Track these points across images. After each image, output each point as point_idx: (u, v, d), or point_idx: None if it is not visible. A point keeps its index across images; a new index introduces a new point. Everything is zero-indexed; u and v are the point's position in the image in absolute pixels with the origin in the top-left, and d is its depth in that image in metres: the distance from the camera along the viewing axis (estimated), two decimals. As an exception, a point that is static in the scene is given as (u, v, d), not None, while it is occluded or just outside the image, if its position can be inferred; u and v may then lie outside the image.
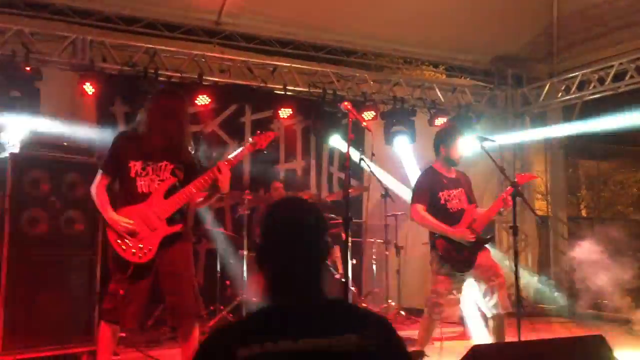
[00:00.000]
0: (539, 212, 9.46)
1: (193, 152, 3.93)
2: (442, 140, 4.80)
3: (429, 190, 4.70)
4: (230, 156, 3.94)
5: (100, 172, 3.81)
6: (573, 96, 8.32)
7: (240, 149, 4.06)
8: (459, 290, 4.67)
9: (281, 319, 1.59)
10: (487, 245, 4.74)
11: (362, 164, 4.34)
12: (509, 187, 4.61)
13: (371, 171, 4.75)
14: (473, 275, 4.64)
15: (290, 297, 1.67)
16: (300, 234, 1.71)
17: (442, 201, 4.68)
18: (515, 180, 4.66)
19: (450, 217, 4.65)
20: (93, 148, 5.41)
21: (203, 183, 3.77)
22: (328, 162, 8.43)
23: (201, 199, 3.94)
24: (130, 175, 3.72)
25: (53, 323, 4.89)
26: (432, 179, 4.75)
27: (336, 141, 7.79)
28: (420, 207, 4.65)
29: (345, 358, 1.54)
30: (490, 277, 4.60)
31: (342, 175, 8.09)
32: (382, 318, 1.73)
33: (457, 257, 4.58)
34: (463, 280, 4.65)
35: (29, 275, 4.85)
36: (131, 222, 3.63)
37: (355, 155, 4.13)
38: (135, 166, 3.72)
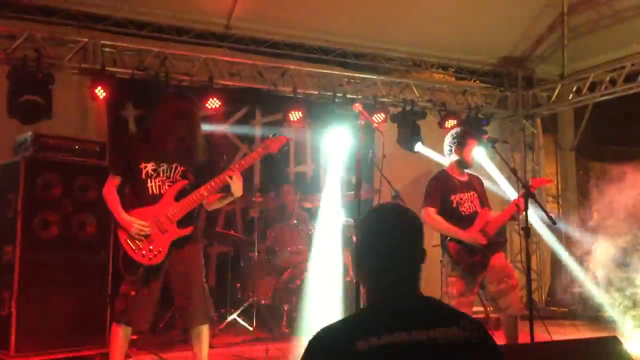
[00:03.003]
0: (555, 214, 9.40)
1: (204, 154, 3.94)
2: (455, 143, 4.77)
3: (441, 193, 4.67)
4: (241, 160, 3.94)
5: (111, 173, 3.83)
6: (584, 97, 8.27)
7: (252, 152, 4.07)
8: (472, 293, 4.63)
9: (392, 314, 1.70)
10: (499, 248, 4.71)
11: (373, 166, 4.34)
12: (522, 191, 4.59)
13: (381, 173, 4.74)
14: (485, 277, 4.61)
15: (391, 295, 1.76)
16: (399, 237, 1.80)
17: (454, 204, 4.65)
18: (530, 184, 4.63)
19: (462, 220, 4.62)
20: (104, 151, 5.44)
21: (214, 186, 3.77)
22: (338, 164, 8.41)
23: (216, 200, 3.94)
24: (141, 177, 3.73)
25: (65, 325, 4.93)
26: (444, 182, 4.73)
27: (346, 143, 7.77)
28: (431, 210, 4.63)
29: (454, 348, 1.64)
30: (502, 279, 4.57)
31: (353, 179, 8.08)
32: (472, 317, 1.83)
33: (469, 260, 4.56)
34: (475, 283, 4.62)
35: (41, 277, 4.88)
36: (145, 223, 3.64)
37: (365, 157, 4.12)
38: (146, 168, 3.74)
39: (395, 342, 1.60)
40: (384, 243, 1.79)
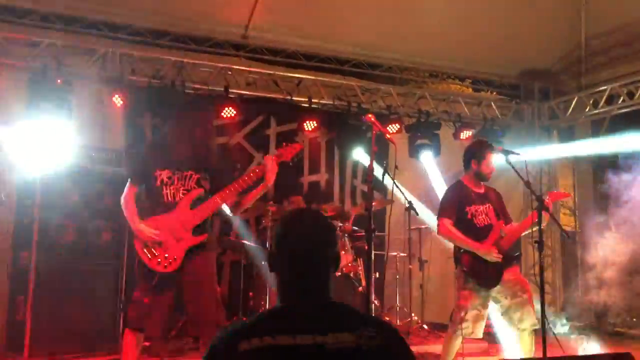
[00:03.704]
0: (567, 228, 9.32)
1: (219, 162, 3.97)
2: (474, 155, 4.72)
3: (457, 205, 4.64)
4: (255, 168, 3.96)
5: (129, 181, 3.88)
6: (601, 110, 8.21)
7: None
8: (485, 307, 4.59)
9: (282, 317, 1.71)
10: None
11: (386, 176, 4.33)
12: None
13: (395, 184, 4.74)
14: (499, 291, 4.57)
15: (296, 300, 1.77)
16: (307, 244, 1.81)
17: (469, 216, 4.62)
18: (547, 196, 4.59)
19: (477, 232, 4.58)
20: (120, 159, 5.51)
21: (229, 194, 3.79)
22: (352, 174, 8.43)
23: (253, 197, 3.91)
24: (156, 184, 3.77)
25: (79, 330, 4.98)
26: (460, 193, 4.69)
27: (360, 154, 7.79)
28: (447, 222, 4.60)
29: (341, 355, 1.62)
30: (516, 293, 4.53)
31: (366, 188, 8.08)
32: (386, 322, 1.82)
33: (483, 274, 4.52)
34: (489, 296, 4.58)
35: (55, 283, 4.95)
36: (156, 232, 3.67)
37: (379, 168, 4.12)
38: (161, 175, 3.78)
39: (275, 345, 1.60)
40: (293, 248, 1.80)
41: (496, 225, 4.62)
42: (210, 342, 1.70)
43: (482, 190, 4.77)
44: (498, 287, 4.54)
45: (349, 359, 1.62)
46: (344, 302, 1.76)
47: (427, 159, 8.09)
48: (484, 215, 4.65)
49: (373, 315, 1.81)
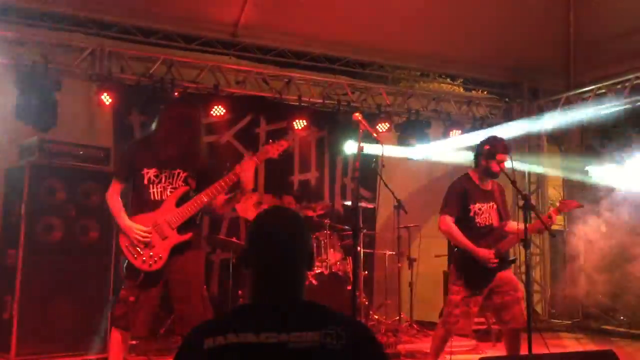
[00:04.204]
0: (556, 226, 9.37)
1: (206, 160, 3.96)
2: (484, 152, 4.63)
3: (461, 200, 4.59)
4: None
5: (113, 178, 3.87)
6: (589, 110, 8.24)
7: (252, 158, 4.07)
8: (476, 303, 4.57)
9: (248, 315, 1.71)
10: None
11: (376, 175, 4.34)
12: (554, 208, 4.56)
13: (384, 182, 4.75)
14: (491, 289, 4.56)
15: (265, 297, 1.78)
16: (277, 242, 1.81)
17: (472, 213, 4.58)
18: (558, 206, 4.62)
19: (477, 231, 4.56)
20: (109, 157, 5.49)
21: (214, 192, 3.78)
22: (342, 173, 8.44)
23: (224, 202, 3.93)
24: (143, 182, 3.76)
25: (66, 329, 4.97)
26: (466, 188, 4.63)
27: (350, 152, 7.81)
28: (448, 219, 4.56)
29: (306, 354, 1.62)
30: (508, 291, 4.53)
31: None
32: (356, 321, 1.83)
33: (475, 275, 4.52)
34: (480, 294, 4.56)
35: (43, 281, 4.93)
36: (145, 229, 3.67)
37: (367, 166, 4.13)
38: (148, 173, 3.77)
39: (238, 342, 1.60)
40: (264, 247, 1.80)
41: (497, 228, 4.59)
42: (184, 339, 1.72)
43: (488, 187, 4.69)
44: (490, 285, 4.54)
45: (314, 358, 1.62)
46: (313, 301, 1.75)
47: (416, 157, 8.11)
48: (486, 215, 4.62)
49: (344, 315, 1.79)
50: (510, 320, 4.50)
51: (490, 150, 4.59)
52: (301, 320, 1.68)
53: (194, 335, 1.68)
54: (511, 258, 4.74)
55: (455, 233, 4.54)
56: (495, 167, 4.59)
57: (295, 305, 1.75)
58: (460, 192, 4.64)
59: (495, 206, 4.66)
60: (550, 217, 4.51)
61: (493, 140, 4.66)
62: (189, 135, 3.81)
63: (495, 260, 4.47)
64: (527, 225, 4.16)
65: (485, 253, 4.47)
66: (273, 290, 1.77)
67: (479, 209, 4.61)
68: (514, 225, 4.59)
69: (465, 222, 4.57)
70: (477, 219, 4.59)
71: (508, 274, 4.62)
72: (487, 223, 4.61)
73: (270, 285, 1.78)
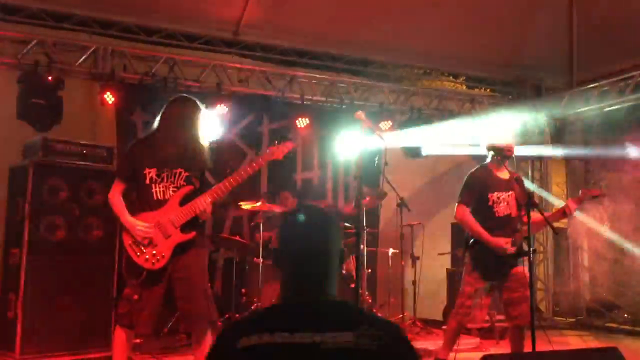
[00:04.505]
0: (560, 224, 9.36)
1: (209, 160, 3.96)
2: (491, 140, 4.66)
3: (478, 190, 4.57)
4: (247, 167, 3.95)
5: (115, 178, 3.88)
6: (593, 107, 8.24)
7: (257, 159, 4.08)
8: (488, 296, 4.56)
9: (282, 314, 1.70)
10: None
11: (379, 173, 4.34)
12: (573, 198, 4.52)
13: (387, 180, 4.76)
14: (503, 283, 4.52)
15: (298, 297, 1.76)
16: (309, 240, 1.80)
17: (490, 202, 4.54)
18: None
19: (495, 220, 4.51)
20: (112, 156, 5.50)
21: (223, 189, 3.79)
22: (344, 171, 8.45)
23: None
24: (146, 182, 3.76)
25: (70, 328, 4.98)
26: (484, 178, 4.62)
27: (353, 151, 7.79)
28: (464, 208, 4.55)
29: (340, 354, 1.60)
30: (517, 288, 4.49)
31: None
32: (389, 322, 1.77)
33: (488, 266, 4.48)
34: (492, 287, 4.55)
35: (47, 280, 4.94)
36: (148, 225, 3.67)
37: (370, 165, 4.13)
38: (150, 173, 3.77)
39: (273, 342, 1.59)
40: (293, 244, 1.80)
41: (514, 218, 4.55)
42: (216, 338, 1.70)
43: (507, 176, 4.64)
44: (503, 279, 4.51)
45: (348, 358, 1.60)
46: (345, 300, 1.75)
47: (422, 153, 8.10)
48: (504, 204, 4.57)
49: (379, 316, 1.78)
50: (518, 316, 4.47)
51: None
52: (335, 320, 1.66)
53: (228, 334, 1.67)
54: (529, 249, 4.67)
55: (470, 222, 4.51)
56: (507, 147, 4.57)
57: (328, 304, 1.74)
58: (476, 181, 4.63)
59: (514, 195, 4.60)
60: (567, 207, 4.48)
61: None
62: (188, 134, 3.81)
63: (512, 249, 4.43)
64: (551, 214, 4.16)
65: (501, 242, 4.43)
66: (306, 290, 1.76)
67: (498, 198, 4.56)
68: (536, 215, 4.47)
69: (484, 212, 4.53)
70: (496, 208, 4.55)
71: (521, 270, 4.55)
72: (506, 213, 4.56)
73: (303, 284, 1.77)
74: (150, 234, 3.67)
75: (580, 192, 4.65)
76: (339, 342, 1.60)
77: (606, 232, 7.65)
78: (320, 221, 1.85)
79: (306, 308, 1.71)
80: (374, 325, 1.65)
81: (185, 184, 3.81)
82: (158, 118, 3.87)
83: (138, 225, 3.67)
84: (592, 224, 7.17)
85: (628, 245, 7.27)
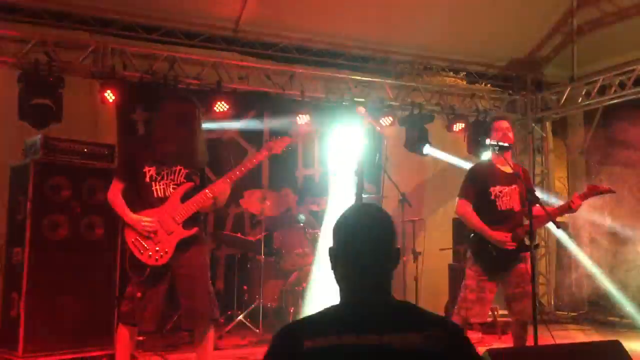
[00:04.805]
0: (561, 218, 9.35)
1: (205, 157, 3.97)
2: (488, 131, 4.67)
3: (480, 184, 4.53)
4: (246, 162, 3.97)
5: (114, 177, 3.88)
6: (594, 101, 8.23)
7: (256, 154, 4.10)
8: (491, 291, 4.50)
9: (347, 316, 1.68)
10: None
11: (380, 169, 4.34)
12: (578, 193, 4.47)
13: (388, 176, 4.76)
14: (505, 278, 4.50)
15: (358, 297, 1.73)
16: (368, 240, 1.76)
17: (492, 196, 4.49)
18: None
19: (497, 214, 4.46)
20: (113, 154, 5.50)
21: (219, 187, 3.81)
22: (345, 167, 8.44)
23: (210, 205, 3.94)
24: (145, 180, 3.77)
25: (73, 326, 4.98)
26: (485, 171, 4.59)
27: (354, 147, 7.79)
28: (464, 203, 4.51)
29: (407, 356, 1.59)
30: (519, 283, 4.46)
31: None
32: (452, 322, 1.77)
33: (490, 260, 4.45)
34: (494, 281, 4.50)
35: (49, 278, 4.94)
36: (151, 219, 3.68)
37: (372, 160, 4.13)
38: (150, 171, 3.78)
39: (340, 343, 1.57)
40: (355, 245, 1.76)
41: (518, 213, 4.50)
42: (273, 338, 1.67)
43: (509, 170, 4.54)
44: (504, 274, 4.48)
45: (413, 359, 1.59)
46: (407, 300, 1.75)
47: (423, 150, 8.09)
48: (507, 198, 4.51)
49: (440, 316, 1.76)
50: (520, 312, 4.45)
51: (487, 129, 4.66)
52: (399, 321, 1.65)
53: (290, 336, 1.64)
54: (532, 244, 4.64)
55: (470, 216, 4.48)
56: (502, 139, 4.53)
57: (392, 305, 1.72)
58: (477, 175, 4.60)
59: (517, 189, 4.54)
60: (572, 202, 4.42)
61: (484, 121, 4.77)
62: (187, 132, 3.81)
63: (513, 244, 4.39)
64: (532, 217, 4.15)
65: (501, 236, 4.38)
66: (367, 290, 1.73)
67: (500, 192, 4.51)
68: (539, 210, 4.41)
69: (486, 206, 4.48)
70: (498, 202, 4.49)
71: (524, 265, 4.50)
72: (508, 207, 4.51)
73: (363, 284, 1.74)
74: (156, 227, 3.68)
75: (585, 187, 4.57)
76: (406, 343, 1.59)
77: (608, 227, 7.65)
78: (379, 219, 1.82)
79: (370, 309, 1.68)
80: (438, 326, 1.65)
81: (185, 181, 3.83)
82: (156, 116, 3.88)
83: (143, 220, 3.68)
84: (594, 219, 7.16)
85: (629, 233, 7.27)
